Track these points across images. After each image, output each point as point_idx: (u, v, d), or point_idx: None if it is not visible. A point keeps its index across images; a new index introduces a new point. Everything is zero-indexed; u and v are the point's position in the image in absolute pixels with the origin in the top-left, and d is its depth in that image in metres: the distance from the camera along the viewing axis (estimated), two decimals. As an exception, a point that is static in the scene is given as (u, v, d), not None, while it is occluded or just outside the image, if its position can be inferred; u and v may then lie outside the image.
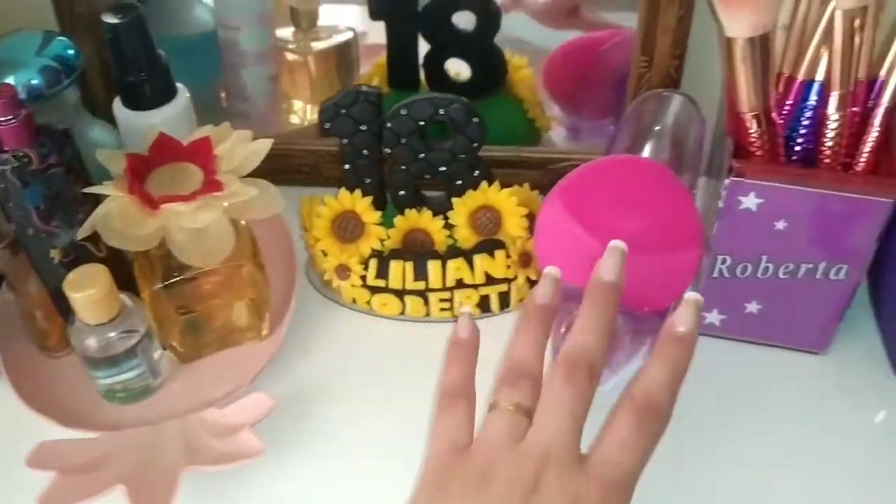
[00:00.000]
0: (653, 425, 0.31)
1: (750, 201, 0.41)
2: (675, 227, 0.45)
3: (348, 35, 0.60)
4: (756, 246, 0.42)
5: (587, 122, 0.61)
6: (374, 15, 0.55)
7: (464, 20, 0.54)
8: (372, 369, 0.47)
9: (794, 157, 0.43)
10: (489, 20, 0.54)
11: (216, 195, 0.41)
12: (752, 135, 0.41)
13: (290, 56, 0.61)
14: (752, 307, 0.45)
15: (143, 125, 0.45)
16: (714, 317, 0.46)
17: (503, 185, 0.48)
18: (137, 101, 0.46)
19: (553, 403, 0.31)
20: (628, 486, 0.30)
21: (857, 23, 0.38)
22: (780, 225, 0.41)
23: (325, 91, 0.60)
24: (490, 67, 0.56)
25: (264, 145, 0.43)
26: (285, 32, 0.60)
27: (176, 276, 0.42)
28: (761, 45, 0.39)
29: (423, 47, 0.55)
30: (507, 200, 0.47)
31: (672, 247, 0.45)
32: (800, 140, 0.43)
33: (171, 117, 0.46)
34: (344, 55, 0.61)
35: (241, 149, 0.43)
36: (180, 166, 0.43)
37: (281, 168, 0.52)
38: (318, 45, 0.60)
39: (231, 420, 0.42)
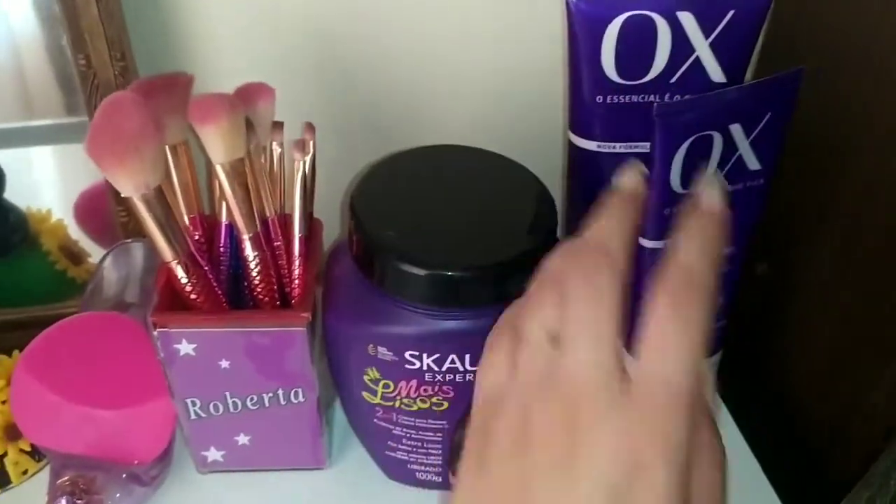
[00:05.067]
0: (695, 309, 0.24)
1: (185, 347, 0.42)
2: (143, 377, 0.45)
3: None
4: (214, 385, 0.43)
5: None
6: None
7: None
8: None
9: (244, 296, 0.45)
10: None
11: None
12: (184, 282, 0.42)
13: None
14: (243, 439, 0.46)
15: None
16: (214, 454, 0.47)
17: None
18: None
19: (578, 328, 0.24)
20: (688, 398, 0.23)
21: (247, 167, 0.41)
22: (224, 364, 0.42)
23: None
24: (4, 226, 0.55)
25: None
26: None
27: None
28: (158, 199, 0.40)
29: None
30: (-26, 377, 0.45)
31: (144, 397, 0.45)
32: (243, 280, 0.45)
33: None
34: None
35: None
36: None
37: None
38: None
39: None
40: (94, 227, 0.59)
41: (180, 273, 0.42)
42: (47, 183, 0.59)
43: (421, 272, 0.37)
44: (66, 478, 0.44)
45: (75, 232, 0.57)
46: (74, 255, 0.59)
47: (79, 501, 0.43)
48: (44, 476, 0.47)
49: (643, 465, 0.22)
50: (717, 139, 0.39)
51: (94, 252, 0.58)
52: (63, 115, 0.53)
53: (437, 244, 0.39)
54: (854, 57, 0.46)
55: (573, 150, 0.45)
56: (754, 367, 0.56)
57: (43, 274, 0.57)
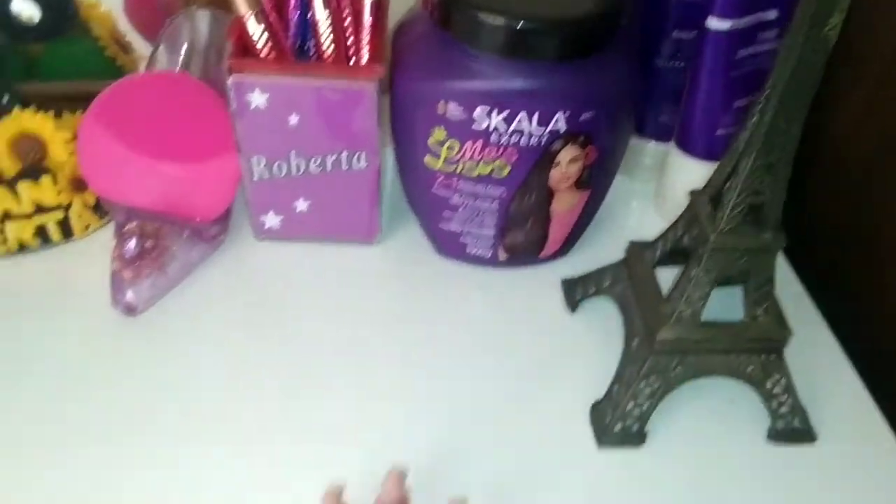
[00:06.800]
0: None
1: (257, 99, 0.43)
2: (210, 135, 0.47)
3: None
4: (281, 142, 0.45)
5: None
6: None
7: (21, -40, 0.52)
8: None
9: (308, 57, 0.46)
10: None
11: None
12: (254, 37, 0.43)
13: None
14: (302, 205, 0.48)
15: None
16: (272, 219, 0.49)
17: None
18: None
19: None
20: None
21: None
22: (293, 120, 0.44)
23: None
24: (58, 8, 0.55)
25: None
26: None
27: None
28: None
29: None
30: (43, 125, 0.46)
31: (210, 154, 0.47)
32: (310, 40, 0.46)
33: None
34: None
35: None
36: None
37: None
38: None
39: None
40: (144, 19, 0.60)
41: (252, 27, 0.43)
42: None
43: (497, 21, 0.38)
44: (134, 223, 0.45)
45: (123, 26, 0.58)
46: (123, 45, 0.59)
47: (147, 244, 0.45)
48: (104, 235, 0.49)
49: None
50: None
51: (141, 49, 0.59)
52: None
53: (515, -1, 0.40)
54: None
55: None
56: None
57: (94, 57, 0.57)
